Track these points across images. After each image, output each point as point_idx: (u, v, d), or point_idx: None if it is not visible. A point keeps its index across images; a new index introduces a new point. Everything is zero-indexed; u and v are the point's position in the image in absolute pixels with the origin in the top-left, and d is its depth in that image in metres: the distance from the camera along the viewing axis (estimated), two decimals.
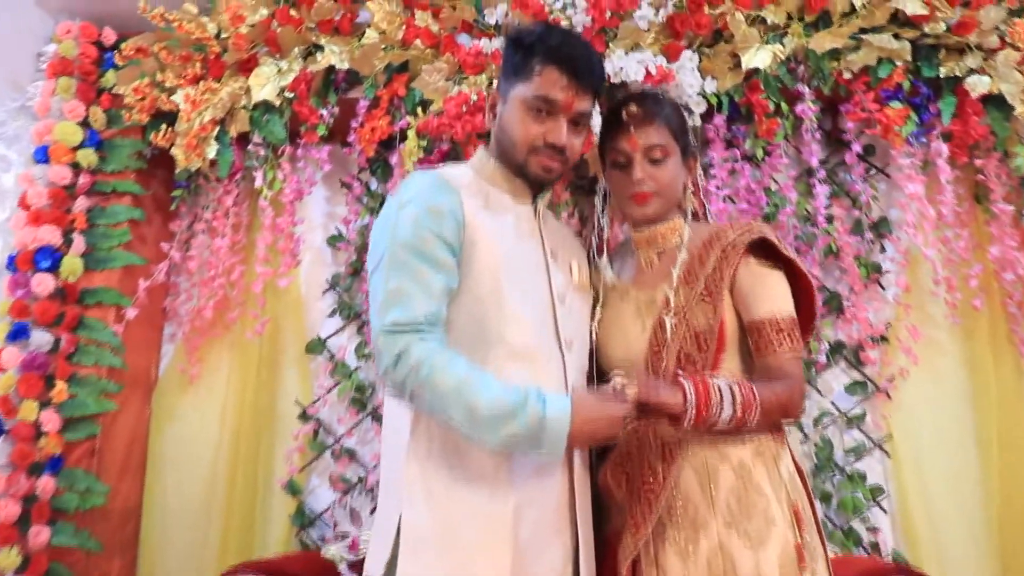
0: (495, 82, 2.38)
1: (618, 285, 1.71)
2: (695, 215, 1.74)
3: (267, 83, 2.60)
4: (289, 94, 2.60)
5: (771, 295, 1.59)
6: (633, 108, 1.65)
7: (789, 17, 2.43)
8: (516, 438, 1.33)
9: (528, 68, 1.54)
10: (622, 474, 1.57)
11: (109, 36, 2.84)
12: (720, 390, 1.44)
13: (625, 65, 2.30)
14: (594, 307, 1.70)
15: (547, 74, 1.53)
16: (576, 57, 1.54)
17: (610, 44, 2.41)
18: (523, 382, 1.41)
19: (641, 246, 1.73)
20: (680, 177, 1.69)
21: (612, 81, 2.31)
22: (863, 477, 2.46)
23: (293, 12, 2.61)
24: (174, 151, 2.63)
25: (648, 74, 2.28)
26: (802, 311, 1.64)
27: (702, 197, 1.77)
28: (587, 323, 1.66)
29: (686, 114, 2.31)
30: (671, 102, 1.76)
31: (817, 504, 2.40)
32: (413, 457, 1.45)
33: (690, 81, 2.33)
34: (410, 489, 1.43)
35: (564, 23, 2.39)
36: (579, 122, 1.58)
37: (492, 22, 2.47)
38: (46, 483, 2.51)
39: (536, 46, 1.54)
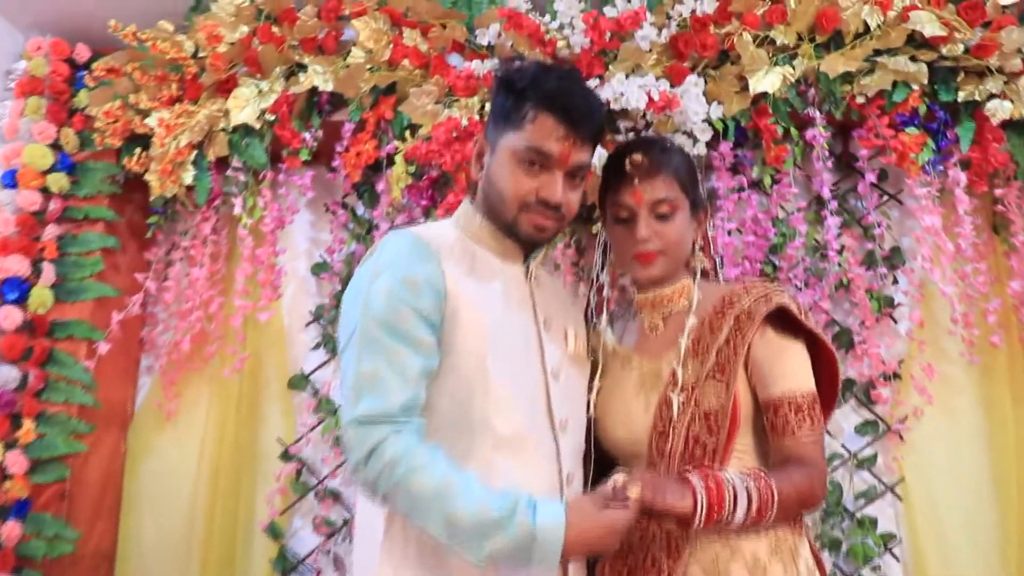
0: (487, 105, 2.26)
1: (619, 351, 1.57)
2: (705, 274, 1.60)
3: (247, 105, 2.47)
4: (270, 117, 2.47)
5: (790, 371, 1.45)
6: (638, 158, 1.50)
7: (799, 38, 2.31)
8: (503, 552, 1.19)
9: (520, 115, 1.39)
10: (623, 567, 1.43)
11: (82, 53, 2.70)
12: (734, 488, 1.31)
13: (626, 90, 2.18)
14: (592, 375, 1.55)
15: (541, 122, 1.38)
16: (574, 104, 1.39)
17: (610, 67, 2.29)
18: (511, 474, 1.28)
19: (645, 309, 1.59)
20: (689, 234, 1.55)
21: (612, 107, 2.19)
22: (874, 523, 2.35)
23: (275, 29, 2.49)
24: (148, 177, 2.51)
25: (651, 100, 2.16)
26: (823, 384, 1.50)
27: (713, 253, 1.63)
28: (584, 397, 1.52)
29: (689, 140, 2.23)
30: (680, 150, 1.61)
31: (825, 554, 2.31)
32: (387, 560, 1.32)
33: (695, 108, 2.21)
34: None
35: (561, 44, 2.27)
36: (576, 175, 1.43)
37: (484, 43, 2.34)
38: (11, 529, 2.37)
39: (529, 91, 1.39)
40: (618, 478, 1.28)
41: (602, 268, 1.71)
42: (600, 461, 1.51)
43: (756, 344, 1.47)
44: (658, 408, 1.46)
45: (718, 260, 1.79)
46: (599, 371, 1.56)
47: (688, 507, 1.27)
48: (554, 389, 1.41)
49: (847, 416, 2.44)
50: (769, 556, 1.39)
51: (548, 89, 1.39)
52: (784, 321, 1.49)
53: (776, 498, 1.33)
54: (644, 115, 2.22)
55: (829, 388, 1.54)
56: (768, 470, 1.42)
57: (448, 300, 1.34)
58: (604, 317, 1.64)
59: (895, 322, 2.42)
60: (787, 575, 1.38)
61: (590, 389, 1.53)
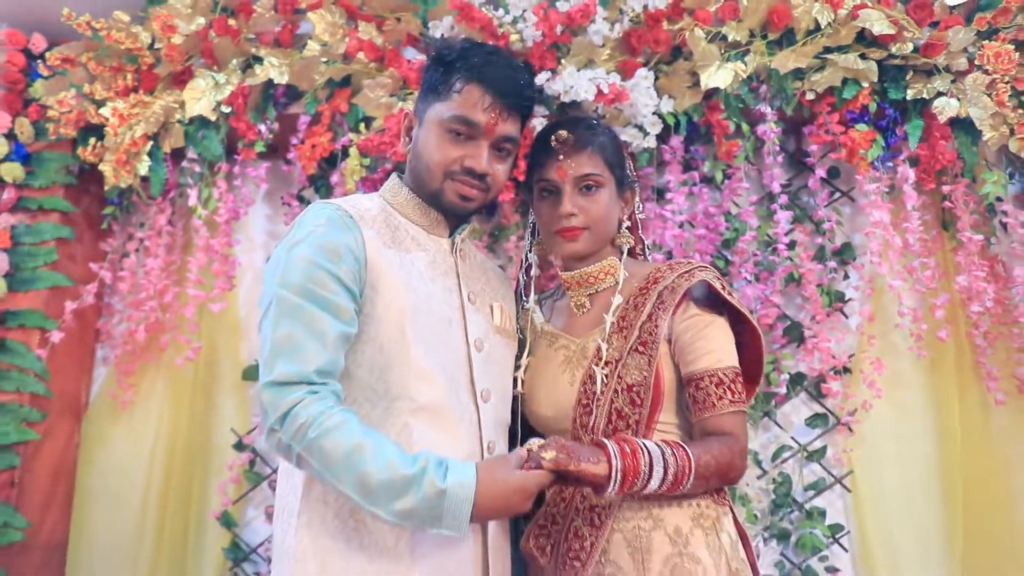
0: None
1: (547, 330, 1.60)
2: (633, 254, 1.62)
3: (202, 97, 2.48)
4: (226, 108, 2.48)
5: (712, 347, 1.47)
6: (563, 134, 1.54)
7: (751, 34, 2.33)
8: (412, 512, 1.21)
9: (448, 86, 1.44)
10: (546, 540, 1.45)
11: (39, 43, 2.67)
12: (650, 454, 1.32)
13: (575, 83, 2.21)
14: (520, 353, 1.58)
15: (468, 92, 1.43)
16: (501, 75, 1.44)
17: (562, 61, 2.29)
18: (429, 438, 1.30)
19: (572, 288, 1.61)
20: (614, 211, 1.58)
21: (562, 100, 2.22)
22: (823, 514, 2.36)
23: (231, 22, 2.49)
24: (102, 167, 2.50)
25: (600, 92, 2.19)
26: (747, 361, 1.52)
27: (640, 233, 1.65)
28: (509, 371, 1.54)
29: (640, 133, 2.26)
30: (607, 129, 1.65)
31: (773, 544, 2.34)
32: (305, 526, 1.32)
33: (645, 100, 2.23)
34: (302, 563, 1.29)
35: (514, 37, 2.28)
36: (503, 148, 1.48)
37: (438, 35, 2.34)
38: None
39: (457, 63, 1.44)
40: (533, 442, 1.29)
41: (531, 248, 1.73)
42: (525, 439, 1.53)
43: (678, 319, 1.49)
44: (583, 383, 1.48)
45: (650, 245, 1.80)
46: (527, 349, 1.59)
47: (602, 472, 1.28)
48: (476, 360, 1.44)
49: (797, 409, 2.46)
50: (691, 527, 1.41)
51: (476, 61, 1.44)
52: (708, 298, 1.52)
53: (693, 467, 1.35)
54: (596, 109, 2.25)
55: (754, 365, 1.56)
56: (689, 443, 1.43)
57: (368, 269, 1.37)
58: (532, 297, 1.67)
59: (846, 317, 2.44)
60: (708, 545, 1.40)
61: (517, 367, 1.56)
